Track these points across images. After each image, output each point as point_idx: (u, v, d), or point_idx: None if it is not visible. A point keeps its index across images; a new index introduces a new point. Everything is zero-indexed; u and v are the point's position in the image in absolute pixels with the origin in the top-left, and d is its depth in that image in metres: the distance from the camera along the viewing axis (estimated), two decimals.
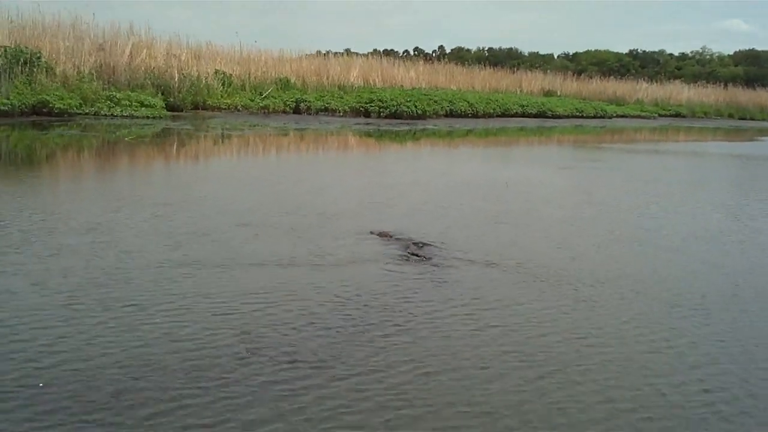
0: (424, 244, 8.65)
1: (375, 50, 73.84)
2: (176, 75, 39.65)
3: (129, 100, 35.69)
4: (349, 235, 9.61)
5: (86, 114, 33.71)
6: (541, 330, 6.01)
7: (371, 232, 9.35)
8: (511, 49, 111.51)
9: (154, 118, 35.32)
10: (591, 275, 7.90)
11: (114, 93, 35.92)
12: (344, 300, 6.72)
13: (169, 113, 37.23)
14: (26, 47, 32.77)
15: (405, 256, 8.14)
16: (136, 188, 15.39)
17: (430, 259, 8.02)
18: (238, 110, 42.55)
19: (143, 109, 35.66)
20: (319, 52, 60.84)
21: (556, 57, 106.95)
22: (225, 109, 42.15)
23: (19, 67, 31.82)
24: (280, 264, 8.00)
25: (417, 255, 8.12)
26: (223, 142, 28.99)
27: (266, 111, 43.71)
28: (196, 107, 40.68)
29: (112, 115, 34.53)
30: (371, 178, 19.03)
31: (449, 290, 7.08)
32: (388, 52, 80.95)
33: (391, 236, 9.05)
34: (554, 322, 6.26)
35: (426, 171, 20.63)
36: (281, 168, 21.61)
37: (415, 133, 38.37)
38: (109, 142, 26.88)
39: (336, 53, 61.57)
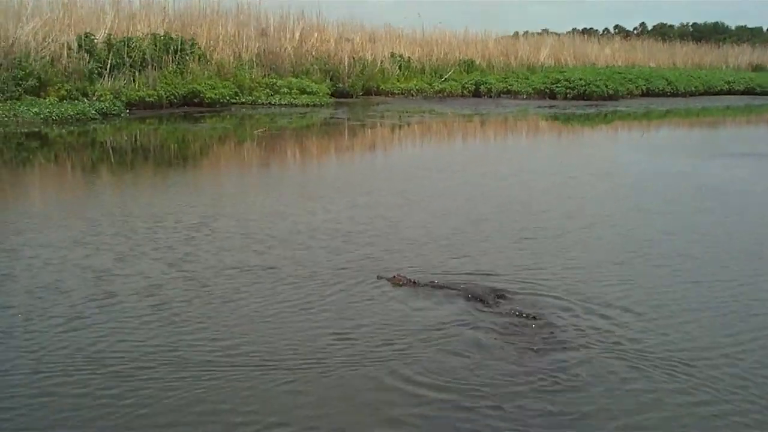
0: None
1: (573, 29, 73.66)
2: (346, 59, 38.00)
3: (289, 87, 34.46)
4: None
5: (242, 103, 32.97)
6: None
7: None
8: (716, 23, 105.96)
9: (315, 105, 34.02)
10: None
11: (275, 80, 34.68)
12: None
13: (333, 100, 36.24)
14: (176, 35, 31.90)
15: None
16: (328, 181, 16.13)
17: None
18: (412, 95, 41.32)
19: (304, 96, 34.46)
20: (516, 33, 61.52)
21: (765, 30, 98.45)
22: (398, 93, 40.93)
23: (169, 56, 30.76)
24: None
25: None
26: (401, 129, 27.92)
27: (442, 95, 41.87)
28: (367, 93, 39.59)
29: (270, 103, 33.66)
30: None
31: None
32: (587, 31, 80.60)
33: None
34: None
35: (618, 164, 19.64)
36: (468, 159, 21.35)
37: (605, 116, 35.78)
38: (272, 132, 26.03)
39: (529, 33, 62.34)
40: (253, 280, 8.52)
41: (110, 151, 21.18)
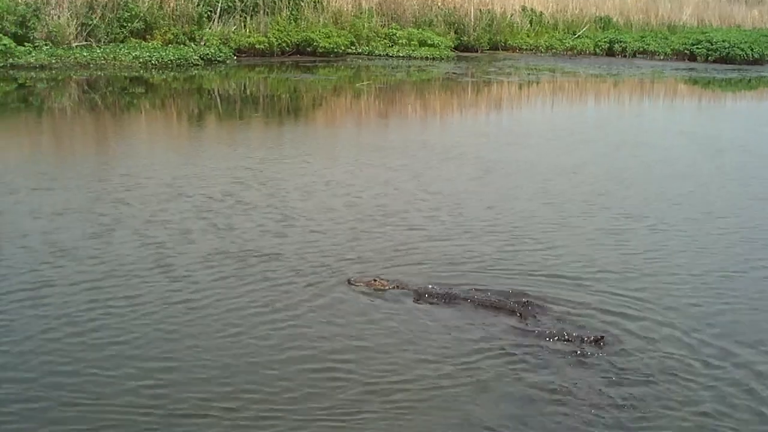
0: None
1: None
2: (473, 11, 35.94)
3: (409, 39, 32.77)
4: None
5: (357, 54, 31.55)
6: None
7: None
8: None
9: (435, 59, 32.36)
10: None
11: (394, 31, 32.97)
12: None
13: (455, 54, 34.31)
14: None
15: None
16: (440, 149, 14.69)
17: None
18: (541, 52, 38.96)
19: (424, 49, 32.64)
20: None
21: None
22: (526, 50, 38.61)
23: (283, 2, 29.47)
24: None
25: None
26: (529, 88, 26.34)
27: (573, 53, 39.63)
28: (492, 48, 37.36)
29: (387, 55, 32.02)
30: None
31: None
32: None
33: None
34: None
35: None
36: (603, 124, 20.47)
37: (749, 81, 32.53)
38: (380, 85, 24.80)
39: None
40: None
41: (218, 99, 20.19)
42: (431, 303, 7.04)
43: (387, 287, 7.22)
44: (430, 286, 7.32)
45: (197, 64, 25.50)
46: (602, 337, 6.26)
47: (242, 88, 22.48)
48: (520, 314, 6.79)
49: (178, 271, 7.63)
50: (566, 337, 6.32)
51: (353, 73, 27.33)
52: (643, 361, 6.08)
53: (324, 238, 8.83)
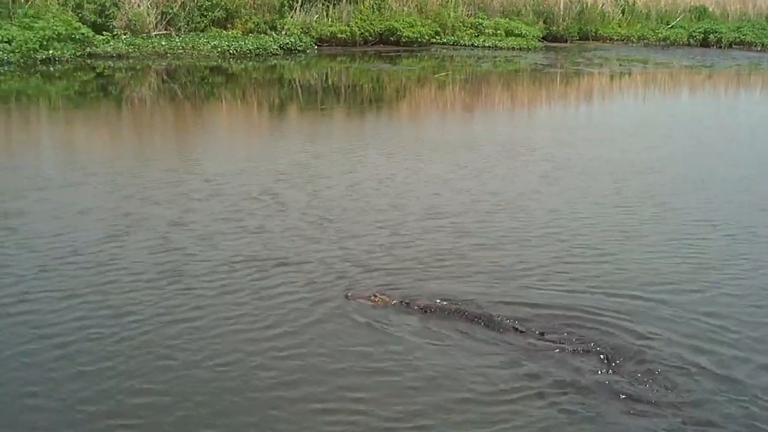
0: None
1: None
2: (563, 1, 34.74)
3: (495, 29, 31.91)
4: None
5: (442, 44, 30.83)
6: None
7: None
8: None
9: (522, 49, 31.35)
10: None
11: (481, 20, 32.06)
12: None
13: (542, 44, 33.22)
14: None
15: None
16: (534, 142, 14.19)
17: None
18: (632, 42, 37.55)
19: (510, 39, 31.72)
20: None
21: None
22: (617, 40, 37.29)
23: None
24: None
25: None
26: (621, 80, 24.97)
27: (665, 43, 38.00)
28: (582, 38, 36.17)
29: (472, 45, 31.14)
30: None
31: None
32: None
33: None
34: None
35: None
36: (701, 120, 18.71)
37: None
38: (463, 76, 23.98)
39: None
40: None
41: (299, 89, 19.42)
42: (440, 324, 6.02)
43: (389, 303, 6.25)
44: (439, 303, 6.30)
45: (276, 54, 25.03)
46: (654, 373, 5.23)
47: (323, 79, 21.68)
48: (548, 341, 5.79)
49: (186, 280, 6.72)
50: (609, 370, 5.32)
51: (437, 63, 26.33)
52: (720, 410, 4.93)
53: (356, 244, 7.77)
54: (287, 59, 24.68)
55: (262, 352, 5.51)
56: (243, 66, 22.99)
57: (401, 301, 6.29)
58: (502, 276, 7.07)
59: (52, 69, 20.52)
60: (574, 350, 5.58)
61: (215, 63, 23.13)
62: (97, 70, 20.84)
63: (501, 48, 30.84)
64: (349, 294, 6.38)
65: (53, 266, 6.87)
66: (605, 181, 10.74)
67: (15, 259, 7.00)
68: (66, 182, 9.79)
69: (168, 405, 4.85)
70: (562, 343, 5.68)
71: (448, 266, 7.27)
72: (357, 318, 6.07)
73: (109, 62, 21.98)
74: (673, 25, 39.49)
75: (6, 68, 20.01)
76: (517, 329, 5.86)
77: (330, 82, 21.30)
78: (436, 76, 22.76)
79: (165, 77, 20.54)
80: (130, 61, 22.40)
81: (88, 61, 21.78)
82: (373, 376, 5.24)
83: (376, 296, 6.28)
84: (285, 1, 26.92)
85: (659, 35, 38.30)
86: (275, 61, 24.14)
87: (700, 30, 39.06)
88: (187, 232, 7.95)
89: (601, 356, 5.51)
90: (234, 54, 24.18)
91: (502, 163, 11.60)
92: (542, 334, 5.82)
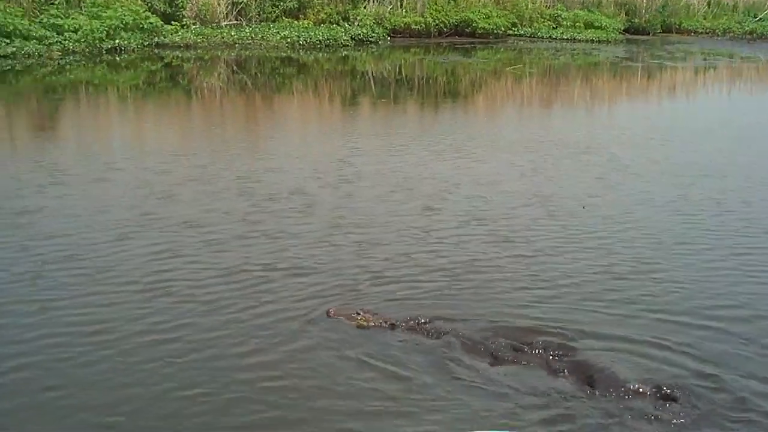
0: None
1: None
2: None
3: (574, 21, 30.90)
4: None
5: (518, 36, 29.91)
6: None
7: None
8: None
9: (601, 42, 30.21)
10: None
11: (560, 12, 31.22)
12: None
13: (623, 37, 31.94)
14: None
15: None
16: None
17: None
18: (717, 35, 35.85)
19: (590, 31, 30.61)
20: None
21: None
22: (701, 33, 35.68)
23: None
24: None
25: None
26: (705, 74, 23.51)
27: (752, 36, 36.18)
28: (665, 30, 34.73)
29: (550, 37, 30.13)
30: None
31: None
32: None
33: None
34: None
35: None
36: None
37: None
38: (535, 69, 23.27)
39: None
40: None
41: (371, 81, 18.66)
42: (427, 345, 5.13)
43: (370, 323, 5.45)
44: (425, 322, 5.42)
45: (347, 45, 24.40)
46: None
47: (396, 70, 20.89)
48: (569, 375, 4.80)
49: (180, 290, 5.93)
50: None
51: (513, 56, 25.32)
52: None
53: (374, 251, 6.83)
54: (359, 50, 24.01)
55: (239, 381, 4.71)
56: (313, 57, 22.38)
57: (386, 322, 5.45)
58: (534, 295, 6.00)
59: (117, 59, 20.22)
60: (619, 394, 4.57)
61: (285, 54, 22.58)
62: (165, 60, 20.44)
63: (579, 40, 29.81)
64: (331, 311, 5.58)
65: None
66: (671, 184, 9.46)
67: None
68: (127, 173, 9.17)
69: None
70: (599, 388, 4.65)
71: (474, 280, 6.24)
72: (331, 337, 5.23)
73: (177, 52, 21.59)
74: (761, 18, 37.79)
75: (71, 57, 19.75)
76: (525, 361, 4.95)
77: (403, 74, 20.51)
78: (511, 68, 21.75)
79: (234, 68, 20.03)
80: (198, 51, 21.99)
81: (156, 51, 21.43)
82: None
83: (359, 314, 5.50)
84: None
85: (746, 28, 36.61)
86: (346, 52, 23.51)
87: None
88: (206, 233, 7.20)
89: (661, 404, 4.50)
90: (304, 45, 23.63)
91: (561, 163, 10.44)
92: (572, 371, 4.82)
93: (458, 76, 20.15)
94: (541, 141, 11.96)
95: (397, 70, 21.12)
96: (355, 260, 6.61)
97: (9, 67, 18.57)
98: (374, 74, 19.95)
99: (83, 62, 19.49)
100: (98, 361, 4.83)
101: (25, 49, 19.66)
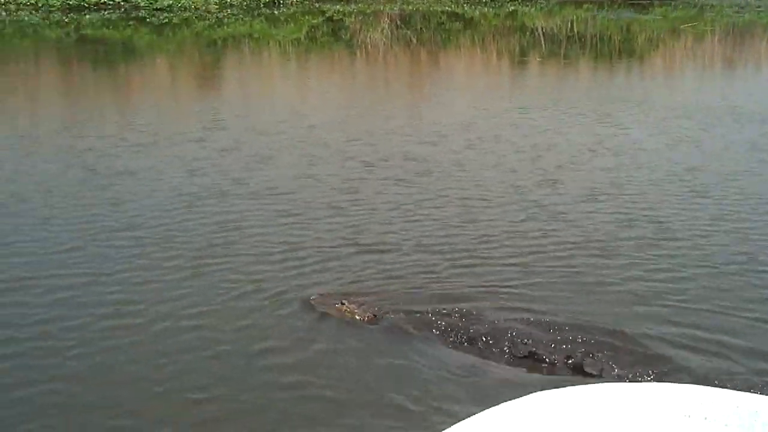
0: None
1: None
2: None
3: None
4: None
5: None
6: None
7: None
8: None
9: None
10: None
11: None
12: None
13: None
14: None
15: None
16: None
17: None
18: None
19: None
20: None
21: None
22: None
23: None
24: None
25: None
26: None
27: None
28: None
29: None
30: None
31: None
32: None
33: None
34: None
35: None
36: None
37: None
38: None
39: None
40: None
41: (541, 38, 17.49)
42: (422, 341, 4.26)
43: (354, 314, 4.65)
44: (418, 315, 4.53)
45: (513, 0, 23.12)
46: None
47: (567, 27, 19.56)
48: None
49: (231, 268, 5.11)
50: None
51: (693, 12, 23.39)
52: None
53: (423, 229, 5.68)
54: (527, 5, 22.80)
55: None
56: (479, 12, 21.34)
57: (374, 313, 4.62)
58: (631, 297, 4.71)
59: (276, 12, 19.87)
60: None
61: (449, 8, 21.68)
62: (327, 14, 19.94)
63: None
64: (313, 299, 4.82)
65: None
66: None
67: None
68: (284, 135, 8.51)
69: None
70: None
71: (547, 273, 5.00)
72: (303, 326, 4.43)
73: (338, 6, 21.09)
74: None
75: (229, 11, 19.57)
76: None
77: (574, 30, 19.17)
78: (686, 26, 19.94)
79: (398, 22, 19.26)
80: (359, 5, 21.39)
81: (316, 5, 20.96)
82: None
83: (343, 304, 4.72)
84: None
85: None
86: (513, 7, 22.33)
87: None
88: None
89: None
90: None
91: (717, 132, 8.79)
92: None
93: (633, 34, 18.76)
94: (706, 107, 10.31)
95: (568, 26, 19.79)
96: (437, 237, 5.55)
97: (166, 20, 18.59)
98: (544, 31, 18.71)
99: (241, 16, 19.28)
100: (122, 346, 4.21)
101: (182, 2, 19.62)
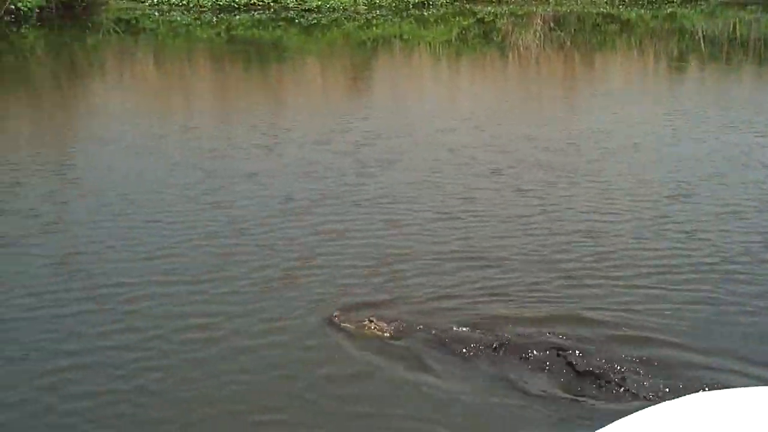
0: None
1: None
2: None
3: None
4: None
5: None
6: None
7: None
8: None
9: None
10: None
11: None
12: None
13: None
14: None
15: None
16: None
17: None
18: None
19: None
20: None
21: None
22: None
23: None
24: None
25: None
26: None
27: None
28: None
29: None
30: None
31: None
32: None
33: None
34: None
35: None
36: None
37: None
38: None
39: None
40: None
41: (701, 41, 16.81)
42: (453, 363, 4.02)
43: (384, 332, 4.46)
44: (447, 339, 4.28)
45: (672, 1, 22.52)
46: None
47: (730, 29, 18.69)
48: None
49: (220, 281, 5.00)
50: None
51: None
52: None
53: (538, 241, 5.43)
54: (686, 7, 21.95)
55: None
56: (635, 13, 20.71)
57: (400, 331, 4.45)
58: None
59: (425, 13, 19.99)
60: None
61: (604, 10, 21.16)
62: (478, 16, 19.91)
63: None
64: (336, 316, 4.62)
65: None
66: None
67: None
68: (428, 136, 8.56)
69: None
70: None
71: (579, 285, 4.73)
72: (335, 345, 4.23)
73: (489, 8, 20.99)
74: None
75: (378, 12, 19.84)
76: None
77: (737, 33, 18.27)
78: None
79: (551, 24, 18.99)
80: (511, 6, 21.22)
81: (467, 6, 20.95)
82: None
83: (370, 321, 4.55)
84: None
85: None
86: (671, 9, 21.53)
87: None
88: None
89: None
90: (624, 1, 22.25)
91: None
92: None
93: None
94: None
95: (730, 29, 18.88)
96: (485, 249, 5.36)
97: (315, 21, 19.04)
98: (704, 33, 17.94)
99: (390, 17, 19.51)
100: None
101: (331, 2, 20.05)
